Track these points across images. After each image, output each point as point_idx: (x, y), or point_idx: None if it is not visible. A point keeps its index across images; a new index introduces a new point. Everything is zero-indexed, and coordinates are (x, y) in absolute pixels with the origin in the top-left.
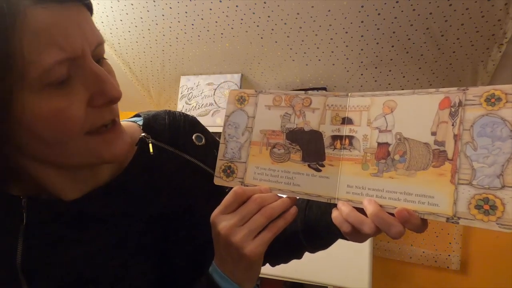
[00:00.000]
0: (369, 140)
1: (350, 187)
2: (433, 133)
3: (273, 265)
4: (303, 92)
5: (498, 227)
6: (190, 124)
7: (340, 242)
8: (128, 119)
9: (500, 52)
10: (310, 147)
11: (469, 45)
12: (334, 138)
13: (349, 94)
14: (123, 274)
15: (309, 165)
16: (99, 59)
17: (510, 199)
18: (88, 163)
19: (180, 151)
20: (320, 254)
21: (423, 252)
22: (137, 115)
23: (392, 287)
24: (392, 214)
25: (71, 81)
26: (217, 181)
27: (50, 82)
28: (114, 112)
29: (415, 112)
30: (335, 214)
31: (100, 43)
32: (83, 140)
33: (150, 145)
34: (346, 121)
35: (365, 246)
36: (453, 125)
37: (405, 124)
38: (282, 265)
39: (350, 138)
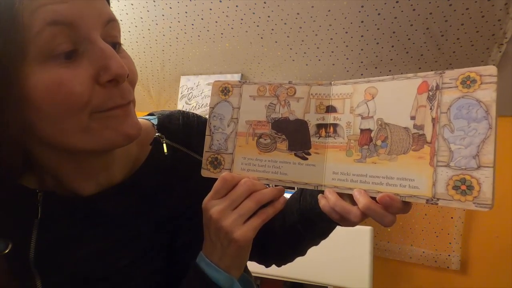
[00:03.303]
0: (352, 127)
1: (335, 173)
2: (412, 117)
3: (279, 265)
4: (287, 81)
5: (474, 206)
6: (203, 125)
7: (340, 242)
8: (142, 117)
9: (500, 52)
10: (296, 136)
11: (469, 45)
12: (319, 126)
13: (332, 82)
14: (133, 273)
15: (295, 154)
16: (114, 43)
17: (486, 179)
18: (96, 146)
19: (193, 152)
20: (320, 254)
21: (423, 252)
22: (151, 114)
23: (392, 287)
24: (374, 199)
25: (78, 56)
26: (204, 173)
27: (54, 54)
28: (126, 96)
29: (395, 98)
30: (323, 202)
31: (111, 19)
32: (88, 119)
33: (165, 145)
34: (330, 109)
35: (365, 246)
36: (431, 108)
37: (385, 109)
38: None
39: (335, 126)
